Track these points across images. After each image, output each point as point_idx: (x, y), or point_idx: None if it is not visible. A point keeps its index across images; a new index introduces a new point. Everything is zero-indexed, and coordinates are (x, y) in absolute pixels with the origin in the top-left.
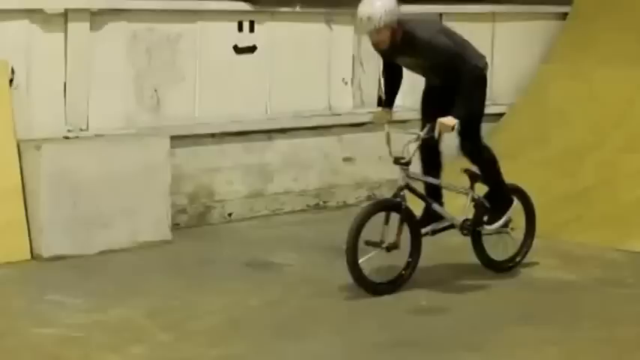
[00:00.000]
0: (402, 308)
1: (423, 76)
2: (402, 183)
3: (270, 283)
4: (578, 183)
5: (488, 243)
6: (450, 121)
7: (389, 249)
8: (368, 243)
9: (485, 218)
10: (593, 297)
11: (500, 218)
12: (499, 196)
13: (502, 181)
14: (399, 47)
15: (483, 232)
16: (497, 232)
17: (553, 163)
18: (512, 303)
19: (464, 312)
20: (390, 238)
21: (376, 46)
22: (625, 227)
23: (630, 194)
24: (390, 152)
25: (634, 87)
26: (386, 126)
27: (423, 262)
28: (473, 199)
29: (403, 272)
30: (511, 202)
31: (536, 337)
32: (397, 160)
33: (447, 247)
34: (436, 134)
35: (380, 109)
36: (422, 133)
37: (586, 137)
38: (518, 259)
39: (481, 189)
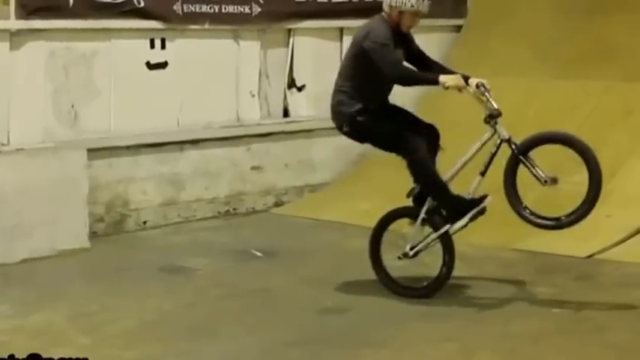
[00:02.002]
0: (310, 308)
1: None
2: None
3: (184, 287)
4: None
5: None
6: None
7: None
8: None
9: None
10: (490, 295)
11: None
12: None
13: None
14: (404, 37)
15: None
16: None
17: (449, 169)
18: (413, 302)
19: (367, 311)
20: None
21: (408, 27)
22: (518, 228)
23: (524, 197)
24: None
25: (526, 94)
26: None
27: (328, 265)
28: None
29: None
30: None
31: (436, 334)
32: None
33: (348, 251)
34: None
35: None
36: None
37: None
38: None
39: None
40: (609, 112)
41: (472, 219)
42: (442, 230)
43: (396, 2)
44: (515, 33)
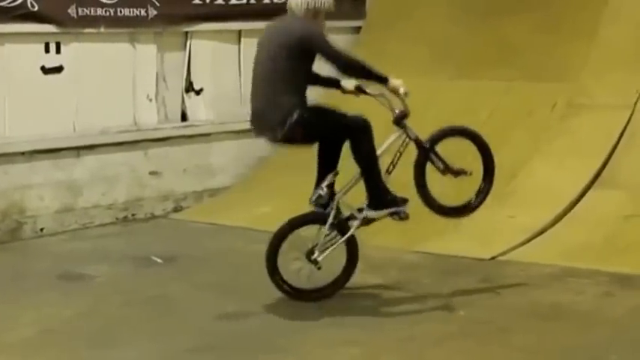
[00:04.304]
0: (211, 314)
1: None
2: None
3: (83, 295)
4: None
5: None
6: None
7: None
8: None
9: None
10: (394, 298)
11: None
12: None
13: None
14: None
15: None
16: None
17: (351, 170)
18: (317, 307)
19: (270, 317)
20: None
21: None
22: (419, 229)
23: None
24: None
25: (426, 95)
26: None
27: (228, 270)
28: None
29: None
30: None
31: (341, 339)
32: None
33: (249, 256)
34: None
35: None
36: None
37: (382, 143)
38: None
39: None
40: (510, 113)
41: (389, 215)
42: (350, 233)
43: (315, 3)
44: (414, 34)
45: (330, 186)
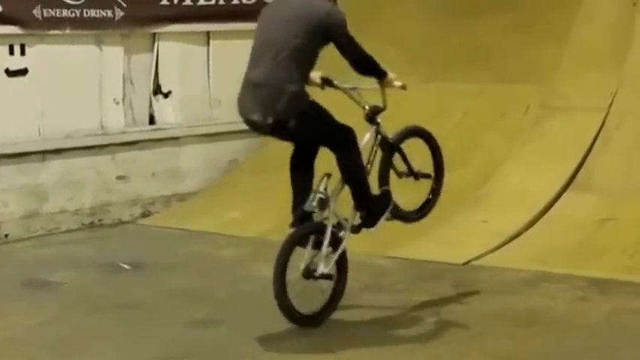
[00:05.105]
0: (180, 322)
1: None
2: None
3: (48, 302)
4: (346, 192)
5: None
6: None
7: None
8: None
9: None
10: (366, 304)
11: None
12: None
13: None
14: None
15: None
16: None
17: (321, 172)
18: None
19: (239, 324)
20: None
21: None
22: (392, 234)
23: (397, 202)
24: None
25: (398, 97)
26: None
27: (198, 277)
28: None
29: None
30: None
31: (313, 346)
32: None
33: (218, 262)
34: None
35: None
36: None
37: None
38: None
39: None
40: (483, 115)
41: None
42: (344, 245)
43: None
44: (386, 35)
45: (326, 189)
